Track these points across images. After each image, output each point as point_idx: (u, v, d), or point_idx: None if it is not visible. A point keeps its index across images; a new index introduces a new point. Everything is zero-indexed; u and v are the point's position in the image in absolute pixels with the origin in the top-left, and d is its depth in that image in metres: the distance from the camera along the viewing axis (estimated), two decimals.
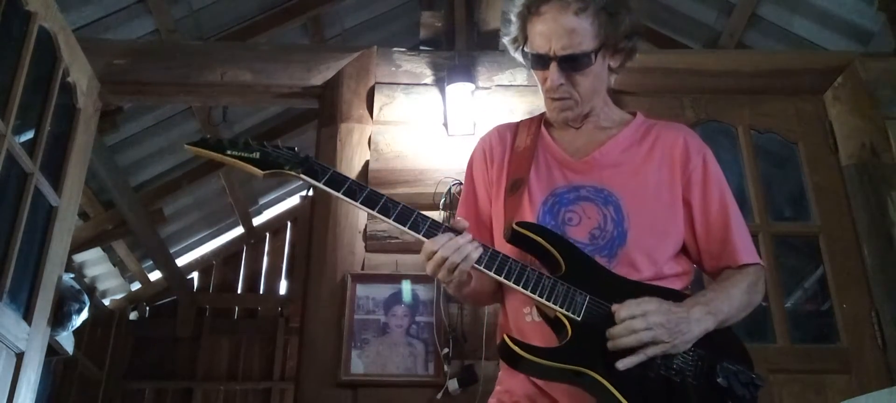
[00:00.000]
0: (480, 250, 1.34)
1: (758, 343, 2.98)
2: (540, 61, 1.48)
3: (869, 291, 2.86)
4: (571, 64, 1.45)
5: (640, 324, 1.28)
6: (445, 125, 3.14)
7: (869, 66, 3.18)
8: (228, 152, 1.41)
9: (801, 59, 3.40)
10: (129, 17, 3.75)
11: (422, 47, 3.58)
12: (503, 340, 1.33)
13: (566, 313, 1.32)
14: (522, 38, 1.54)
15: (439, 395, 2.69)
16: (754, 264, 1.49)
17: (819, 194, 3.06)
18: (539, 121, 1.61)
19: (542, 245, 1.38)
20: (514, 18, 1.55)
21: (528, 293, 1.34)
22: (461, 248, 1.32)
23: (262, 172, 1.41)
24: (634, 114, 1.61)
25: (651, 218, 1.45)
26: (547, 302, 1.33)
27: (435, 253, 1.32)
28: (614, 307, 1.31)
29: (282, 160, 1.41)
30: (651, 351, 1.29)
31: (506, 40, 1.59)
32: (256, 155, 1.41)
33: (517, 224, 1.41)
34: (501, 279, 1.34)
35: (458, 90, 3.10)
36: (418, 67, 3.28)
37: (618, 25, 1.47)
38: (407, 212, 1.36)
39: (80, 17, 3.49)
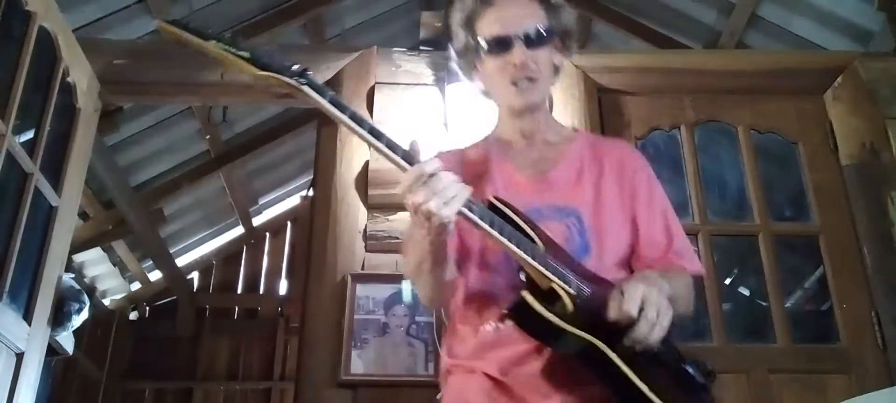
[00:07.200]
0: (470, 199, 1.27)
1: (758, 343, 2.99)
2: (500, 44, 1.50)
3: (869, 291, 2.85)
4: (534, 40, 1.49)
5: (653, 313, 1.25)
6: (445, 125, 3.14)
7: (869, 66, 3.18)
8: (214, 43, 1.25)
9: (801, 59, 3.39)
10: (129, 17, 3.75)
11: (422, 47, 3.58)
12: (521, 297, 1.25)
13: (563, 286, 1.30)
14: (473, 42, 1.55)
15: (439, 395, 2.68)
16: (694, 273, 1.53)
17: (819, 194, 3.05)
18: (486, 147, 1.61)
19: (519, 223, 1.36)
20: (460, 27, 1.58)
21: (528, 259, 1.29)
22: (454, 184, 1.22)
23: (258, 71, 1.25)
24: (575, 130, 1.66)
25: (608, 232, 1.48)
26: (546, 272, 1.30)
27: (430, 177, 1.22)
28: (613, 305, 1.27)
29: (278, 66, 1.26)
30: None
31: (455, 51, 1.61)
32: (246, 53, 1.26)
33: (496, 197, 1.40)
34: (500, 237, 1.27)
35: (458, 90, 3.10)
36: (418, 67, 3.28)
37: (560, 17, 1.56)
38: (413, 151, 1.30)
39: (80, 17, 3.49)
